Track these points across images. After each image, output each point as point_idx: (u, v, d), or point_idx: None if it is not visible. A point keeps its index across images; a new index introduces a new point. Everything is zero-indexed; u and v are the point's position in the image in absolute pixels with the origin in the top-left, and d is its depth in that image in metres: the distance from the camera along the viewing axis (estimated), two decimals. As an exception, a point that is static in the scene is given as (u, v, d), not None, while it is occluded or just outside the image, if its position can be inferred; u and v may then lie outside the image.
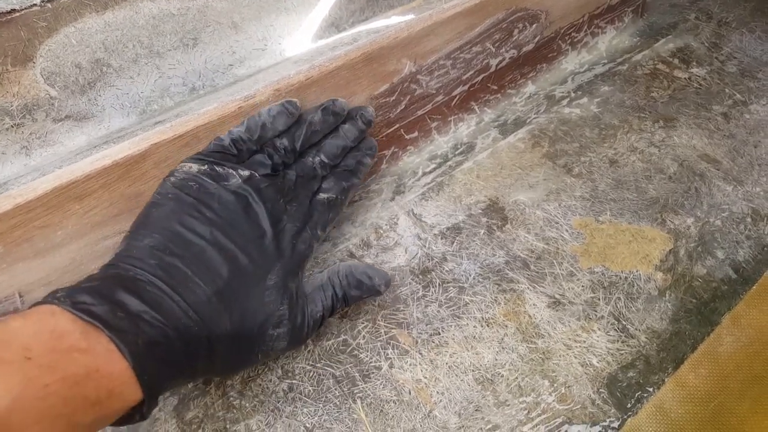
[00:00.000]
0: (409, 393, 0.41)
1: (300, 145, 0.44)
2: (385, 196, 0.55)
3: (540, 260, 0.49)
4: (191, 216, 0.37)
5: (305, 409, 0.41)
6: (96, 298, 0.30)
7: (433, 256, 0.50)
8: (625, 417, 0.40)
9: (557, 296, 0.46)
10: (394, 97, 0.52)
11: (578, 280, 0.47)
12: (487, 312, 0.46)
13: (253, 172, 0.41)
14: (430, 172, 0.57)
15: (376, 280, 0.42)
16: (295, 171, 0.43)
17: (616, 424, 0.40)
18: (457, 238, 0.51)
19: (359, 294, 0.42)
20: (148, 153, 0.39)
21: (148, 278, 0.33)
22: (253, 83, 0.49)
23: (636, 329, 0.44)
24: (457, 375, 0.42)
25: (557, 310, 0.46)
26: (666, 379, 0.42)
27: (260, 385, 0.42)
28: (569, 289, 0.47)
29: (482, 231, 0.51)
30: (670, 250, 0.49)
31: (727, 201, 0.52)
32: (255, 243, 0.38)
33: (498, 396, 0.41)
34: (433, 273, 0.48)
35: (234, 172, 0.40)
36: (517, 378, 0.42)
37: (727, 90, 0.64)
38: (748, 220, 0.51)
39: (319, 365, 0.43)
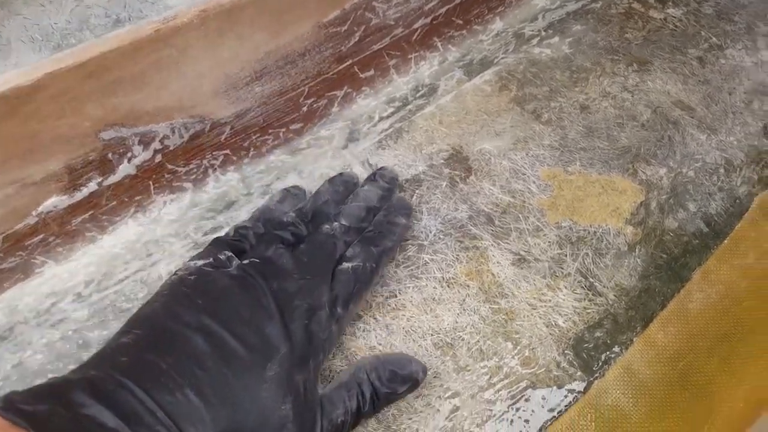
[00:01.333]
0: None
1: (311, 215, 0.41)
2: (337, 144, 0.51)
3: (505, 215, 0.47)
4: (180, 306, 0.33)
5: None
6: (37, 399, 0.27)
7: (390, 210, 0.47)
8: (592, 379, 0.39)
9: (522, 253, 0.45)
10: (346, 27, 0.48)
11: (545, 235, 0.46)
12: (448, 271, 0.44)
13: (253, 258, 0.37)
14: (388, 117, 0.53)
15: (413, 366, 0.36)
16: (308, 243, 0.39)
17: (582, 387, 0.39)
18: (417, 191, 0.48)
19: (392, 390, 0.35)
20: (41, 84, 0.33)
21: (116, 377, 0.29)
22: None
23: (604, 287, 0.43)
24: (414, 340, 0.40)
25: (522, 268, 0.44)
26: (634, 339, 0.41)
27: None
28: (535, 245, 0.45)
29: (444, 183, 0.49)
30: (641, 203, 0.47)
31: (700, 151, 0.51)
32: (252, 326, 0.33)
33: (458, 361, 0.40)
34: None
35: (236, 257, 0.37)
36: (478, 341, 0.40)
37: (703, 33, 0.62)
38: (721, 171, 0.50)
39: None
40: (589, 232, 0.46)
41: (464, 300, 0.42)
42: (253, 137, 0.49)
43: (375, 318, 0.41)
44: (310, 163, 0.50)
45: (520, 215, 0.47)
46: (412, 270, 0.44)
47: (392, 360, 0.36)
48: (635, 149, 0.51)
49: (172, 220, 0.47)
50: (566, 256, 0.44)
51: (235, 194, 0.48)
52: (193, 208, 0.47)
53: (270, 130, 0.49)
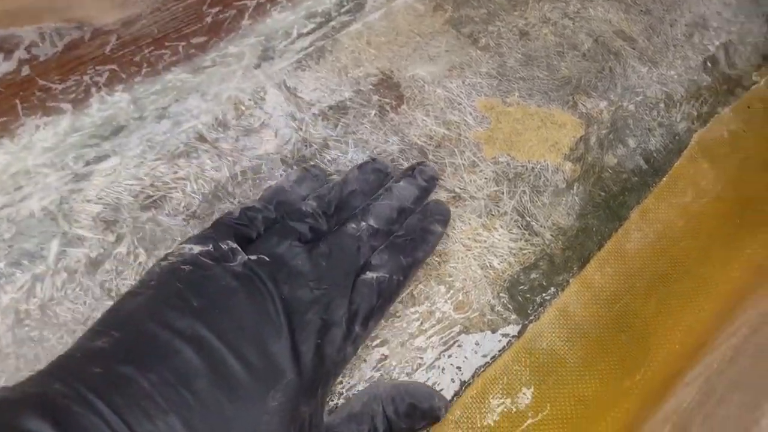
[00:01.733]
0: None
1: (334, 207, 0.35)
2: (248, 62, 0.44)
3: (439, 148, 0.43)
4: (171, 307, 0.27)
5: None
6: None
7: (312, 142, 0.41)
8: (527, 323, 0.37)
9: (458, 190, 0.41)
10: None
11: (481, 171, 0.42)
12: (376, 209, 0.39)
13: (261, 254, 0.31)
14: (308, 33, 0.47)
15: (435, 400, 0.31)
16: (328, 243, 0.33)
17: (516, 331, 0.37)
18: (342, 119, 0.43)
19: (409, 427, 0.31)
20: None
21: (83, 395, 0.23)
22: None
23: (541, 226, 0.40)
24: (339, 285, 0.36)
25: (457, 207, 0.40)
26: (570, 280, 0.39)
27: (69, 309, 0.33)
28: (471, 181, 0.41)
29: (373, 112, 0.44)
30: (580, 137, 0.45)
31: (641, 84, 0.49)
32: (257, 342, 0.27)
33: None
34: (311, 163, 0.41)
35: (240, 250, 0.30)
36: (409, 285, 0.37)
37: (642, -40, 0.59)
38: (662, 105, 0.48)
39: (159, 280, 0.35)
40: (527, 168, 0.43)
41: (394, 241, 0.38)
42: (146, 51, 0.42)
43: (294, 262, 0.36)
44: (216, 83, 0.43)
45: (455, 149, 0.43)
46: (335, 208, 0.39)
47: (412, 391, 0.31)
48: (576, 80, 0.48)
49: (46, 148, 0.39)
50: (503, 193, 0.41)
51: (124, 118, 0.41)
52: (72, 134, 0.40)
53: (166, 43, 0.42)
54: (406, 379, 0.34)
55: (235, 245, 0.31)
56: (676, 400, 0.29)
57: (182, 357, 0.25)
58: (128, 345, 0.26)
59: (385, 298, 0.33)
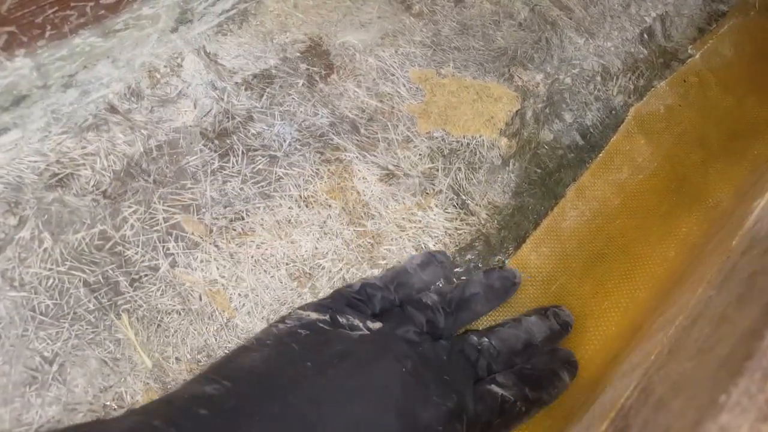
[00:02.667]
0: (200, 299, 0.33)
1: (455, 306, 0.33)
2: (164, 26, 0.41)
3: (372, 122, 0.41)
4: (283, 365, 0.27)
5: (42, 332, 0.30)
6: None
7: (235, 114, 0.39)
8: (462, 307, 0.36)
9: (391, 167, 0.40)
10: None
11: (415, 147, 0.41)
12: (307, 189, 0.38)
13: (386, 324, 0.30)
14: (230, -5, 0.44)
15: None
16: (450, 342, 0.32)
17: (451, 316, 0.36)
18: (268, 89, 0.41)
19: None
20: None
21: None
22: None
23: (476, 205, 0.40)
24: (266, 271, 0.35)
25: (390, 185, 0.39)
26: (506, 261, 0.39)
27: (-32, 303, 0.30)
28: (405, 158, 0.40)
29: (301, 82, 0.41)
30: (516, 111, 0.44)
31: (578, 56, 0.48)
32: (369, 424, 0.27)
33: (318, 293, 0.35)
34: (234, 137, 0.38)
35: (361, 324, 0.30)
36: (341, 270, 0.36)
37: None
38: (598, 78, 0.48)
39: (62, 269, 0.32)
40: (462, 144, 0.42)
41: (325, 222, 0.37)
42: (49, 12, 0.38)
43: (216, 246, 0.35)
44: (129, 49, 0.40)
45: (388, 123, 0.41)
46: (262, 187, 0.37)
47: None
48: (512, 51, 0.47)
49: (-67, 121, 0.35)
50: (438, 170, 0.40)
51: (26, 86, 0.38)
52: (-34, 105, 0.36)
53: (72, 4, 0.38)
54: None
55: (355, 320, 0.30)
56: (613, 392, 0.29)
57: (287, 420, 0.26)
58: (239, 395, 0.26)
59: (504, 419, 0.31)
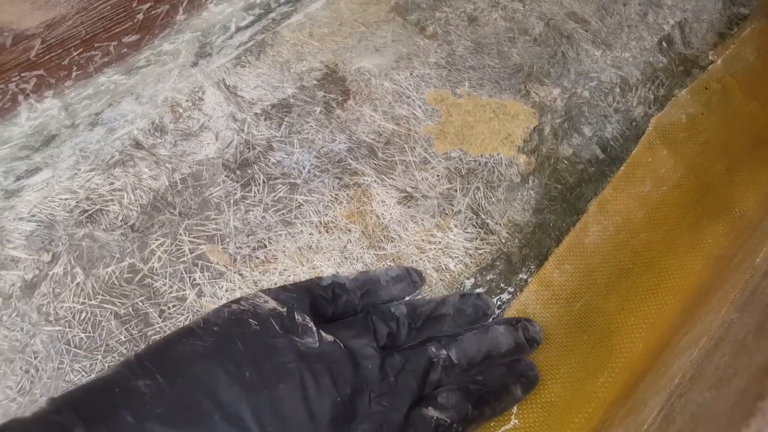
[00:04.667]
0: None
1: (421, 323, 0.34)
2: (184, 60, 0.43)
3: (389, 145, 0.42)
4: (224, 370, 0.27)
5: (77, 365, 0.32)
6: None
7: (255, 144, 0.41)
8: (485, 326, 0.37)
9: (409, 189, 0.41)
10: None
11: (433, 168, 0.42)
12: (326, 214, 0.39)
13: (337, 340, 0.30)
14: (247, 27, 0.46)
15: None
16: (404, 357, 0.32)
17: (474, 336, 0.37)
18: (286, 118, 0.42)
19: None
20: None
21: None
22: None
23: (496, 223, 0.41)
24: (288, 297, 0.36)
25: (409, 207, 0.40)
26: (529, 280, 0.39)
27: (6, 337, 0.32)
28: (423, 179, 0.41)
29: (318, 109, 0.43)
30: (534, 128, 0.45)
31: (595, 68, 0.49)
32: None
33: (340, 318, 0.36)
34: (255, 167, 0.40)
35: (314, 330, 0.30)
36: (362, 293, 0.37)
37: (597, -65, 0.59)
38: (617, 90, 0.48)
39: (94, 302, 0.34)
40: (480, 163, 0.43)
41: (345, 247, 0.38)
42: (75, 54, 0.40)
43: (241, 274, 0.36)
44: (151, 85, 0.42)
45: (405, 146, 0.43)
46: (283, 214, 0.39)
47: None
48: (527, 67, 0.48)
49: (-29, 164, 0.38)
50: (456, 191, 0.41)
51: (55, 126, 0.40)
52: (1, 147, 0.39)
53: (96, 44, 0.41)
54: None
55: (310, 323, 0.30)
56: (637, 416, 0.30)
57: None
58: (169, 400, 0.26)
59: None
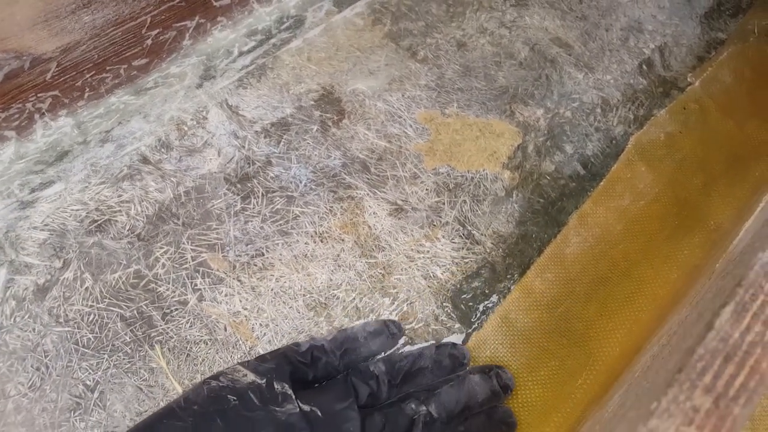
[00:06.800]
0: (225, 329, 0.36)
1: (401, 379, 0.34)
2: (190, 82, 0.46)
3: (381, 161, 0.44)
4: None
5: (84, 363, 0.34)
6: None
7: (255, 160, 0.43)
8: (470, 331, 0.39)
9: (400, 202, 0.43)
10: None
11: (422, 182, 0.44)
12: (321, 225, 0.41)
13: (317, 406, 0.30)
14: (249, 51, 0.48)
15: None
16: (384, 416, 0.32)
17: (460, 340, 0.38)
18: (285, 136, 0.44)
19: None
20: None
21: None
22: None
23: (482, 234, 0.42)
24: (284, 302, 0.38)
25: (399, 218, 0.42)
26: (512, 287, 0.41)
27: (19, 337, 0.34)
28: (413, 193, 0.43)
29: (315, 127, 0.45)
30: (518, 146, 0.47)
31: (577, 90, 0.51)
32: None
33: (333, 321, 0.38)
34: (255, 180, 0.42)
35: (294, 398, 0.30)
36: (354, 299, 0.39)
37: (581, -34, 0.62)
38: (598, 110, 0.50)
39: (101, 305, 0.36)
40: (466, 178, 0.45)
41: (339, 255, 0.40)
42: (87, 76, 0.43)
43: (239, 280, 0.38)
44: (159, 104, 0.44)
45: (396, 162, 0.45)
46: (280, 225, 0.41)
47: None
48: (513, 89, 0.50)
49: (-10, 176, 0.40)
50: (444, 204, 0.43)
51: (68, 143, 0.42)
52: (17, 161, 0.41)
53: (107, 67, 0.43)
54: None
55: (289, 391, 0.31)
56: (601, 410, 0.31)
57: None
58: None
59: None
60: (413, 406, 0.33)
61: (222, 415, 0.29)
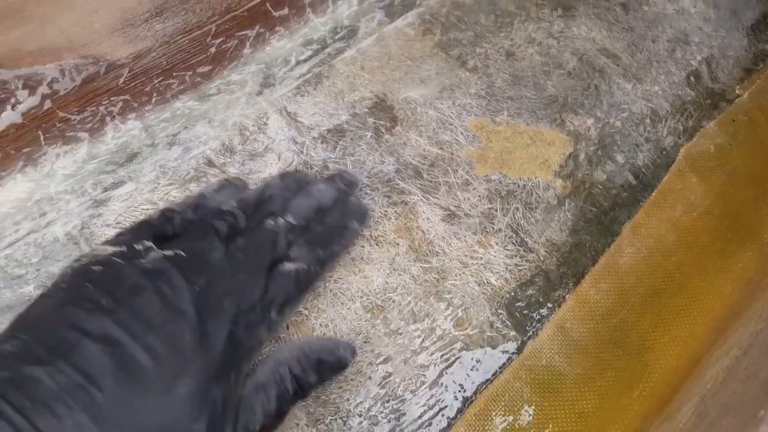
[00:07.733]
0: (288, 328, 0.37)
1: (254, 208, 0.36)
2: (251, 90, 0.47)
3: (433, 167, 0.45)
4: (81, 308, 0.28)
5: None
6: None
7: (313, 164, 0.44)
8: (525, 339, 0.39)
9: (452, 208, 0.43)
10: (257, -41, 0.43)
11: (474, 189, 0.44)
12: (377, 229, 0.41)
13: (181, 247, 0.31)
14: (306, 60, 0.50)
15: (341, 351, 0.34)
16: (246, 237, 0.34)
17: (515, 348, 0.39)
18: (340, 142, 0.45)
19: (319, 378, 0.33)
20: None
21: None
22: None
23: (535, 242, 0.43)
24: (342, 303, 0.38)
25: (452, 224, 0.42)
26: (567, 296, 0.41)
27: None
28: (465, 199, 0.44)
29: (369, 134, 0.46)
30: (569, 154, 0.47)
31: (626, 100, 0.51)
32: (163, 334, 0.28)
33: (389, 324, 0.38)
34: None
35: (154, 246, 0.31)
36: (410, 303, 0.39)
37: (627, -22, 0.62)
38: (647, 121, 0.50)
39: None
40: (518, 186, 0.45)
41: (394, 259, 0.41)
42: (156, 81, 0.44)
43: (299, 282, 0.39)
44: (221, 110, 0.45)
45: (448, 168, 0.45)
46: (337, 229, 0.41)
47: (317, 348, 0.34)
48: (562, 98, 0.50)
49: (67, 175, 0.42)
50: (496, 210, 0.43)
51: (137, 145, 0.44)
52: (90, 161, 0.43)
53: (174, 74, 0.45)
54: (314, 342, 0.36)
55: (150, 244, 0.31)
56: (670, 422, 0.31)
57: (90, 355, 0.26)
58: (36, 347, 0.26)
59: (301, 287, 0.35)
60: (271, 221, 0.35)
61: (90, 281, 0.29)
